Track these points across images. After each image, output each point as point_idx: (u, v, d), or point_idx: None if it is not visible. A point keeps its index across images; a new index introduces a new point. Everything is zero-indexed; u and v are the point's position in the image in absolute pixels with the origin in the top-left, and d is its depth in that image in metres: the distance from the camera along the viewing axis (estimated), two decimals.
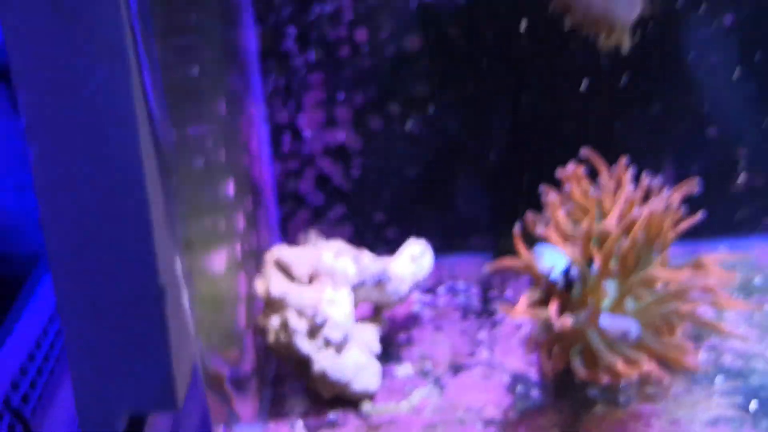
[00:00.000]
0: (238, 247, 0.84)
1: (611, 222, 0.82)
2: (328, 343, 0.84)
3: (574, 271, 0.78)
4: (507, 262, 0.85)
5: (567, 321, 0.75)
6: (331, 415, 0.87)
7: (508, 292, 1.06)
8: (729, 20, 1.03)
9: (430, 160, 1.09)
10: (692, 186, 0.90)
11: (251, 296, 0.86)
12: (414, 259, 0.94)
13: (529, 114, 1.07)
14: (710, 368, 0.89)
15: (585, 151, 0.89)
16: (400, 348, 0.96)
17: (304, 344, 0.83)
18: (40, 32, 0.53)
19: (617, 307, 0.80)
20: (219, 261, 0.78)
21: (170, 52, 0.63)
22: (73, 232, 0.58)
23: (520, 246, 0.83)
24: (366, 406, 0.87)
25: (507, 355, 0.95)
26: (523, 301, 0.80)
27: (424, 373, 0.92)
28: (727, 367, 0.89)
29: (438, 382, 0.90)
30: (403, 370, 0.92)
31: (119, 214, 0.57)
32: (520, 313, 0.79)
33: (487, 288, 1.08)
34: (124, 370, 0.60)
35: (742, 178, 1.13)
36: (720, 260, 0.90)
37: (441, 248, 1.11)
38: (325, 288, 0.84)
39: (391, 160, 1.09)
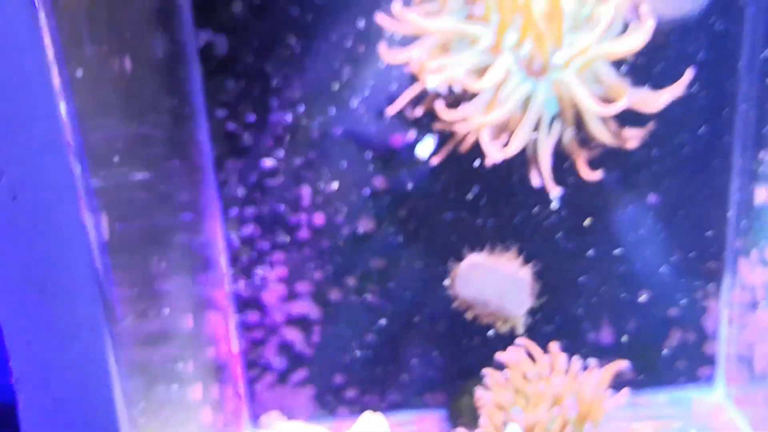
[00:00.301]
0: None
1: (542, 410, 0.90)
2: None
3: None
4: None
5: None
6: None
7: None
8: (653, 199, 1.13)
9: (385, 326, 1.17)
10: (621, 366, 0.99)
11: None
12: None
13: None
14: None
15: (520, 341, 0.98)
16: None
17: None
18: (29, 310, 0.62)
19: None
20: None
21: (141, 306, 0.72)
22: None
23: None
24: None
25: None
26: None
27: None
28: None
29: None
30: None
31: None
32: None
33: None
34: None
35: (675, 334, 1.22)
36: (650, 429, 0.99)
37: (398, 405, 1.20)
38: None
39: (350, 327, 1.17)
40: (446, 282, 1.04)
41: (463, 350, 1.18)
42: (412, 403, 1.21)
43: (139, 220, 0.75)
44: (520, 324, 1.00)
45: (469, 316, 1.00)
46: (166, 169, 0.88)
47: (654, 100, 0.94)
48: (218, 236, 1.08)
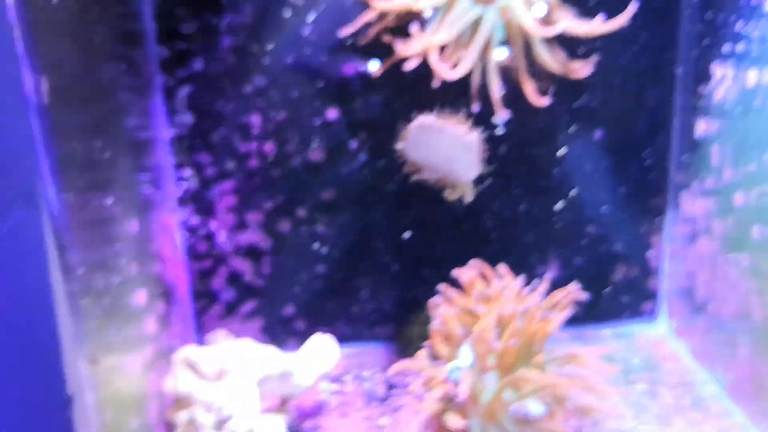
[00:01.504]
0: (149, 349, 0.92)
1: (489, 322, 0.92)
2: None
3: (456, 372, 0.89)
4: (406, 365, 0.95)
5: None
6: None
7: (410, 378, 1.15)
8: (599, 135, 1.16)
9: (335, 258, 1.18)
10: (573, 290, 1.00)
11: (162, 394, 0.93)
12: (318, 352, 1.03)
13: (426, 213, 1.17)
14: None
15: (474, 262, 1.00)
16: None
17: None
18: None
19: (497, 399, 0.90)
20: (130, 365, 0.85)
21: (82, 186, 0.71)
22: None
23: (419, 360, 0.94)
24: None
25: None
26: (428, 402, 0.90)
27: None
28: None
29: None
30: None
31: (31, 335, 0.64)
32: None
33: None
34: None
35: (620, 269, 1.25)
36: (593, 353, 1.01)
37: (348, 338, 1.21)
38: (231, 384, 0.92)
39: (299, 259, 1.17)
40: (397, 144, 1.04)
41: (413, 282, 1.20)
42: (362, 336, 1.22)
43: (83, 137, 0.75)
44: (469, 192, 1.01)
45: (419, 179, 1.01)
46: (113, 88, 0.88)
47: (596, 28, 0.96)
48: (167, 162, 1.08)
